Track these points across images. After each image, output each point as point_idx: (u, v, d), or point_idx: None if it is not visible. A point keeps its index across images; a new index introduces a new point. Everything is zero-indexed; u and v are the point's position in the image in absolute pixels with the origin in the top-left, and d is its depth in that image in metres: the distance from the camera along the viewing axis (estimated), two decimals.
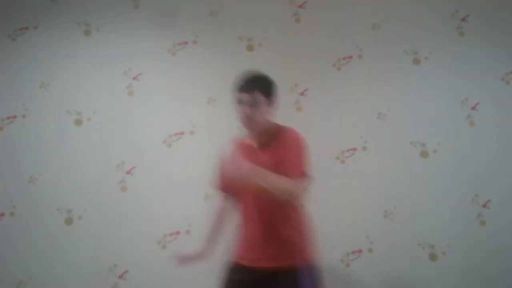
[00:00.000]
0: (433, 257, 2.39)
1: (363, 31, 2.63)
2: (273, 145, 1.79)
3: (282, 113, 2.57)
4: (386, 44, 2.60)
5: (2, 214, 2.56)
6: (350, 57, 2.61)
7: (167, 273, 2.46)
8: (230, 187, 1.88)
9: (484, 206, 2.41)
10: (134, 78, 2.67)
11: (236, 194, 1.87)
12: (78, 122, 2.64)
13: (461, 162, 2.46)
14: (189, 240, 2.48)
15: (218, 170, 1.94)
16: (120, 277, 2.47)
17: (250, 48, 2.66)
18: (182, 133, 2.60)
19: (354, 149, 2.52)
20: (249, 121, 1.78)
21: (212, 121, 2.60)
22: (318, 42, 2.63)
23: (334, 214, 2.45)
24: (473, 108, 2.50)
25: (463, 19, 2.59)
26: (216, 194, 1.97)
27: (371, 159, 2.50)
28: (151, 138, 2.59)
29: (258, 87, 1.78)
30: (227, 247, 1.89)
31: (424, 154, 2.48)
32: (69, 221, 2.54)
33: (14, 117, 2.66)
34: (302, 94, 2.60)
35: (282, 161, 1.73)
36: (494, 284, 2.33)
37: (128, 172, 2.57)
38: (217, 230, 1.97)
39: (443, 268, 2.37)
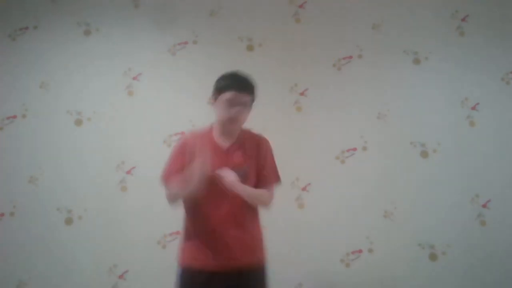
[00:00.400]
0: (433, 257, 2.39)
1: (363, 31, 2.63)
2: (248, 149, 1.81)
3: (282, 113, 2.59)
4: (386, 44, 2.60)
5: (2, 214, 2.56)
6: (350, 57, 2.61)
7: (167, 273, 2.46)
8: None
9: (484, 206, 2.41)
10: (134, 78, 2.67)
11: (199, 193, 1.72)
12: (78, 122, 2.64)
13: (461, 162, 2.46)
14: None
15: (176, 160, 1.83)
16: (120, 277, 2.47)
17: (250, 48, 2.66)
18: (182, 133, 2.60)
19: (354, 149, 2.52)
20: (236, 123, 1.77)
21: (211, 121, 2.60)
22: (318, 42, 2.63)
23: (334, 214, 2.45)
24: (473, 108, 2.50)
25: (463, 19, 2.59)
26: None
27: (371, 159, 2.50)
28: (151, 138, 2.59)
29: (252, 91, 1.79)
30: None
31: (424, 154, 2.48)
32: (69, 221, 2.54)
33: (14, 117, 2.66)
34: (302, 94, 2.59)
35: (262, 167, 1.81)
36: (494, 284, 2.33)
37: (128, 172, 2.57)
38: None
39: (443, 268, 2.37)
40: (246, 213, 1.78)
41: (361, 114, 2.55)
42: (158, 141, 2.59)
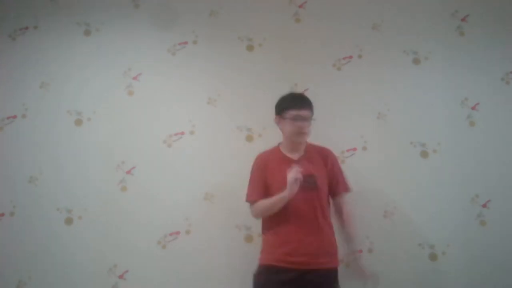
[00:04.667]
0: (433, 257, 2.39)
1: (363, 31, 2.63)
2: (316, 160, 2.08)
3: None
4: (386, 44, 2.60)
5: (2, 214, 2.56)
6: (350, 57, 2.61)
7: (167, 273, 2.46)
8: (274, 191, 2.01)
9: (484, 206, 2.41)
10: (134, 78, 2.67)
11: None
12: (78, 122, 2.64)
13: (461, 162, 2.45)
14: (189, 240, 2.48)
15: (256, 181, 2.10)
16: (120, 277, 2.47)
17: (250, 48, 2.66)
18: (182, 133, 2.60)
19: (354, 149, 2.52)
20: (302, 135, 2.06)
21: (212, 121, 2.60)
22: (318, 42, 2.63)
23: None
24: (473, 108, 2.50)
25: (463, 19, 2.59)
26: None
27: (371, 159, 2.50)
28: (151, 138, 2.59)
29: (311, 105, 2.11)
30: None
31: (424, 154, 2.48)
32: (69, 221, 2.54)
33: (14, 117, 2.66)
34: None
35: (333, 176, 2.12)
36: (494, 284, 2.33)
37: (128, 172, 2.57)
38: None
39: (443, 268, 2.37)
40: (323, 219, 2.09)
41: (361, 114, 2.55)
42: (158, 141, 2.59)
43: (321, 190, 2.03)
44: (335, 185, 2.12)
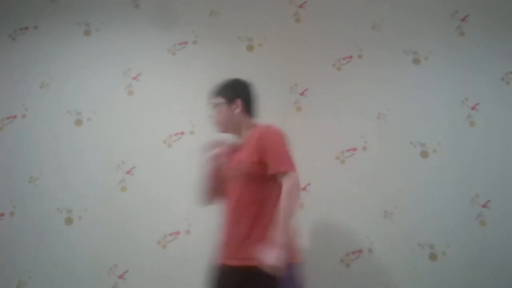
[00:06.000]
0: (433, 257, 2.39)
1: (363, 31, 2.63)
2: (249, 144, 1.89)
3: (282, 113, 2.61)
4: (386, 44, 2.60)
5: (2, 214, 2.56)
6: (350, 57, 2.61)
7: (167, 273, 2.46)
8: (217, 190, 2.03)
9: (484, 206, 2.41)
10: (134, 78, 2.67)
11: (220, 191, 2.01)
12: (78, 122, 2.64)
13: (461, 162, 2.45)
14: (189, 240, 2.48)
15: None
16: (120, 277, 2.47)
17: (250, 48, 2.66)
18: (182, 133, 2.60)
19: (354, 149, 2.52)
20: (215, 123, 2.00)
21: (211, 121, 2.60)
22: (318, 42, 2.63)
23: (334, 214, 2.45)
24: (473, 108, 2.50)
25: (463, 19, 2.59)
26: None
27: (371, 159, 2.50)
28: (151, 138, 2.59)
29: (216, 92, 1.99)
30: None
31: (424, 154, 2.48)
32: (69, 221, 2.54)
33: (14, 117, 2.66)
34: (302, 94, 2.60)
35: (267, 157, 1.79)
36: (494, 284, 2.33)
37: (128, 172, 2.57)
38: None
39: (443, 268, 2.37)
40: (250, 213, 1.83)
41: (361, 114, 2.55)
42: (158, 141, 2.59)
43: (246, 177, 1.80)
44: (269, 167, 1.77)
